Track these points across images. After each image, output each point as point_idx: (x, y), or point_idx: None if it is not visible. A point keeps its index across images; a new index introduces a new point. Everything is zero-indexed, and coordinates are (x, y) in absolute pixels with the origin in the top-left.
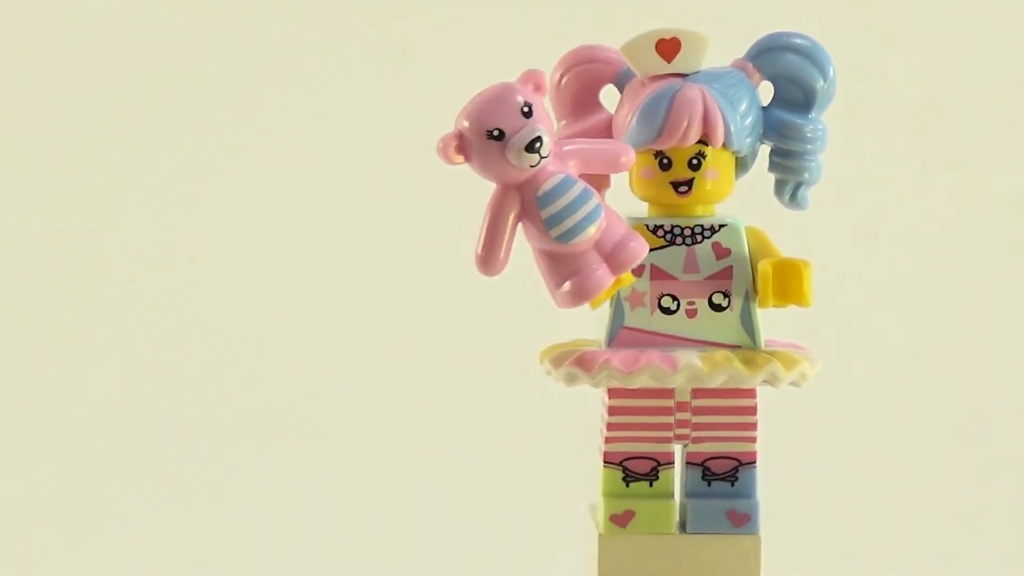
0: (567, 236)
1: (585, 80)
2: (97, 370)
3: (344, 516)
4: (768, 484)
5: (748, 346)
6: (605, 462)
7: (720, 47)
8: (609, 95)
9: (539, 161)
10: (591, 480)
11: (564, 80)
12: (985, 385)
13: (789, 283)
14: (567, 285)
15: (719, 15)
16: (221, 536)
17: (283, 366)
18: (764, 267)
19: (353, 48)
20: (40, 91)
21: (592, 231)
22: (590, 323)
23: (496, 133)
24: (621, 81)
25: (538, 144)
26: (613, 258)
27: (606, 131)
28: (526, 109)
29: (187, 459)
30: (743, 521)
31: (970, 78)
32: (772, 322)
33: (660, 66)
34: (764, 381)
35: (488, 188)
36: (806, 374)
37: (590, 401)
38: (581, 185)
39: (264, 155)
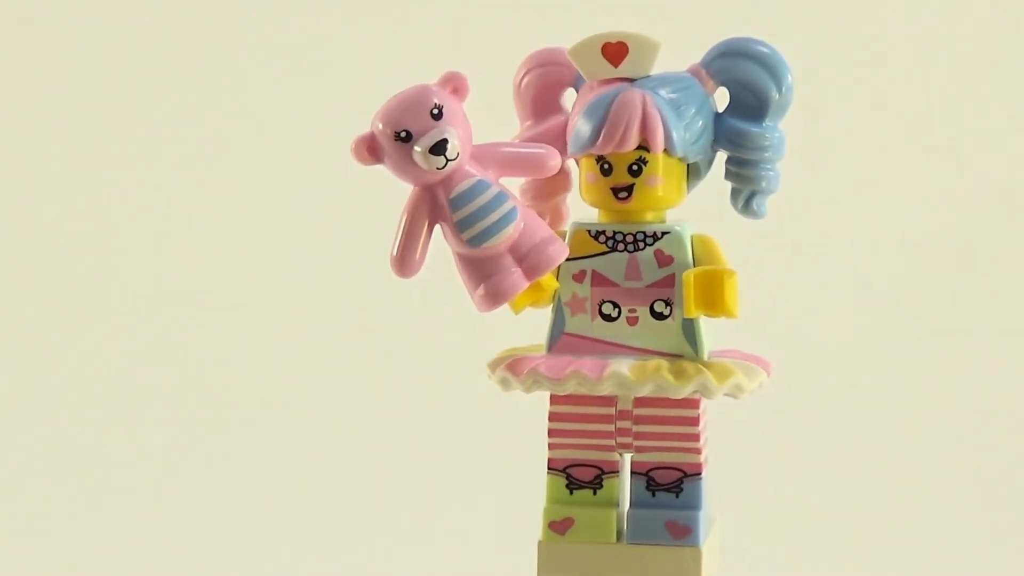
0: (478, 240)
1: (545, 82)
2: (93, 369)
3: (322, 516)
4: (734, 496)
5: (690, 356)
6: (549, 469)
7: (692, 51)
8: (573, 98)
9: (445, 164)
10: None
11: (524, 82)
12: (948, 396)
13: (713, 293)
14: (482, 288)
15: (693, 18)
16: (200, 533)
17: (238, 372)
18: (687, 276)
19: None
20: (37, 90)
21: (505, 235)
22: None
23: (404, 134)
24: (579, 84)
25: (444, 147)
26: (528, 262)
27: (563, 134)
28: (436, 111)
29: (162, 458)
30: (683, 533)
31: (935, 81)
32: (762, 331)
33: (606, 70)
34: (695, 392)
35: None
36: (742, 386)
37: None
38: (496, 188)
39: (250, 156)
